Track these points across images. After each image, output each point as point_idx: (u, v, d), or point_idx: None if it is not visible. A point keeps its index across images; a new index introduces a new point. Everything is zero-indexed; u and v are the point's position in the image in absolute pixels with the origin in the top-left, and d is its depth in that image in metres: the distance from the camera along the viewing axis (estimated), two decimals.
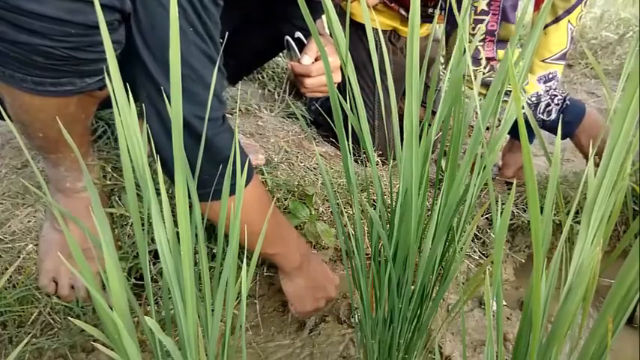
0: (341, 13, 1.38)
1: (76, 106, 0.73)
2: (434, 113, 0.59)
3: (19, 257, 0.89)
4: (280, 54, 1.52)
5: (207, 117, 0.54)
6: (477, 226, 1.27)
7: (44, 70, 0.62)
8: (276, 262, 0.91)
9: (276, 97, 1.57)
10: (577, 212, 1.17)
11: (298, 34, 0.96)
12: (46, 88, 0.65)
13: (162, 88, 0.66)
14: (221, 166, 0.72)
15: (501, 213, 0.44)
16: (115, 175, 1.02)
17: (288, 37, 0.96)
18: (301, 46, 0.96)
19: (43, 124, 0.73)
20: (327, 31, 1.04)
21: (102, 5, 0.58)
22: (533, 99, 1.16)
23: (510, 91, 0.55)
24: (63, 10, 0.56)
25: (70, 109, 0.73)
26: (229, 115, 1.34)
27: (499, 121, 0.59)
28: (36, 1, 0.54)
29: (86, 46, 0.61)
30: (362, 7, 0.52)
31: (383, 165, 1.39)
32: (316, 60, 0.94)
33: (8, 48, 0.58)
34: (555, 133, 0.93)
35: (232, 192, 0.72)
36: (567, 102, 1.16)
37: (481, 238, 1.24)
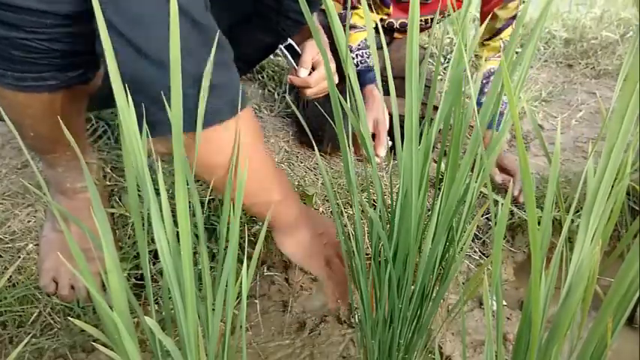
0: None
1: (63, 102, 0.72)
2: (436, 109, 0.59)
3: (19, 257, 0.89)
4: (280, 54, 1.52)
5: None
6: (477, 226, 1.27)
7: (24, 64, 0.61)
8: (274, 215, 0.73)
9: (276, 97, 1.57)
10: (577, 211, 1.17)
11: (290, 41, 0.99)
12: (28, 83, 0.64)
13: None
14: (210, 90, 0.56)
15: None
16: (115, 175, 1.02)
17: (281, 47, 0.99)
18: (293, 52, 0.99)
19: (33, 121, 0.72)
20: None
21: None
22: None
23: None
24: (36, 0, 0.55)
25: (57, 105, 0.72)
26: None
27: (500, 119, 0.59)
28: None
29: (62, 37, 0.59)
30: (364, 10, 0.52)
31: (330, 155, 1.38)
32: (313, 68, 0.97)
33: None
34: None
35: (217, 119, 0.60)
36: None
37: (481, 238, 1.24)
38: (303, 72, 0.95)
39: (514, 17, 1.29)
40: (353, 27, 1.25)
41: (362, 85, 1.23)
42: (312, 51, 0.98)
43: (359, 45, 1.23)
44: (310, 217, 0.81)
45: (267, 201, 0.71)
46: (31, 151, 0.90)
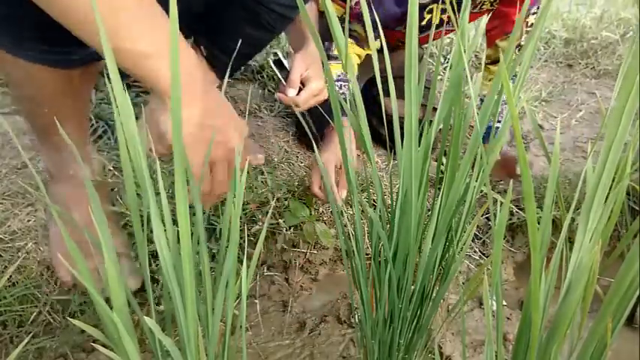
0: None
1: (80, 79, 0.76)
2: (435, 110, 0.59)
3: (19, 257, 0.89)
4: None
5: None
6: (477, 226, 1.27)
7: (52, 30, 0.62)
8: (149, 75, 0.52)
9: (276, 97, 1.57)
10: (577, 210, 1.18)
11: (278, 54, 1.00)
12: (56, 57, 0.67)
13: None
14: None
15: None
16: (116, 173, 1.03)
17: (269, 61, 1.01)
18: (282, 67, 1.00)
19: (50, 97, 0.75)
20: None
21: None
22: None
23: None
24: None
25: (75, 82, 0.75)
26: None
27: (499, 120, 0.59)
28: None
29: None
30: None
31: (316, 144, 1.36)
32: (302, 83, 0.97)
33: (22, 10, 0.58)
34: None
35: None
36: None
37: (481, 238, 1.24)
38: (291, 92, 0.95)
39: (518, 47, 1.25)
40: (334, 58, 1.17)
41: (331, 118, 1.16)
42: (301, 67, 0.97)
43: (338, 76, 1.17)
44: (208, 96, 0.58)
45: (129, 50, 0.49)
46: (32, 150, 0.90)
